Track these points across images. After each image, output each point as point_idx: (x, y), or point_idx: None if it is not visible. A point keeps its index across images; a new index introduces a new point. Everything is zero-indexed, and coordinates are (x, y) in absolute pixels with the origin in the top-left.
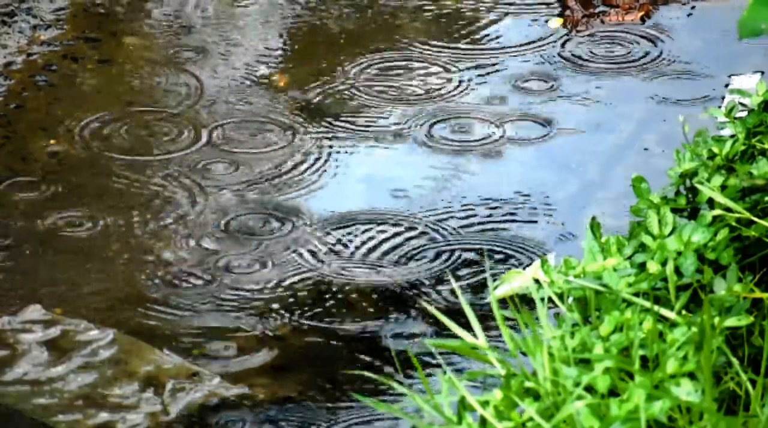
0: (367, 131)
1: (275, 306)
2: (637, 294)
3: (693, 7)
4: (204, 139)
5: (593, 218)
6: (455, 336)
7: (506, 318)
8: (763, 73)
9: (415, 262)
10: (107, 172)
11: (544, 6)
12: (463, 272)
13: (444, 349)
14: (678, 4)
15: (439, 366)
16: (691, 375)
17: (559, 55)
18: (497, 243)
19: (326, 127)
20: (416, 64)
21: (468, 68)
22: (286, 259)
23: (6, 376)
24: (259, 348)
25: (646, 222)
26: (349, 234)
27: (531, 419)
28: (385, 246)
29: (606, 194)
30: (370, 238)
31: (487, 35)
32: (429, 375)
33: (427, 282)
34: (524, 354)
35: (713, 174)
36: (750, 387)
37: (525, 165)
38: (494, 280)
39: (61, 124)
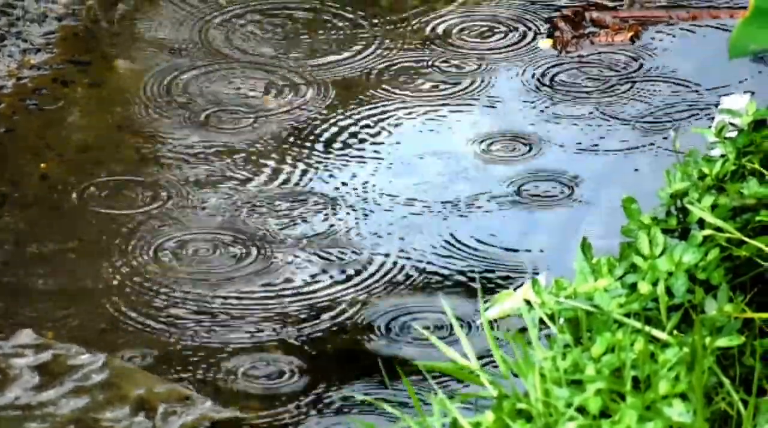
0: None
1: (268, 328)
2: (628, 315)
3: (681, 27)
4: (195, 159)
5: (584, 239)
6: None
7: (497, 339)
8: (753, 93)
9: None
10: (98, 195)
11: (533, 27)
12: (451, 295)
13: (436, 371)
14: (666, 24)
15: (430, 386)
16: (683, 396)
17: (548, 75)
18: (487, 263)
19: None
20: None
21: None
22: (276, 283)
23: None
24: (250, 370)
25: (636, 243)
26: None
27: None
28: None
29: (596, 215)
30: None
31: (475, 52)
32: (421, 396)
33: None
34: (516, 375)
35: (704, 194)
36: (741, 407)
37: (515, 184)
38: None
39: (51, 148)
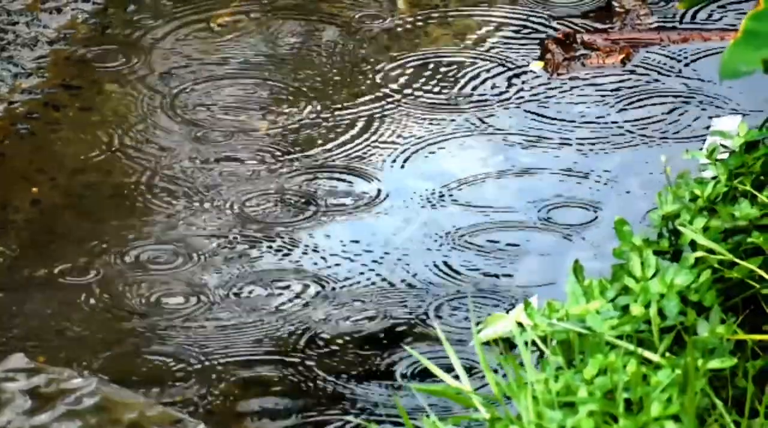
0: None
1: (260, 352)
2: (620, 337)
3: (671, 49)
4: (189, 184)
5: (576, 261)
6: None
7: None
8: (744, 114)
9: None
10: (89, 220)
11: (524, 50)
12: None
13: (428, 393)
14: (658, 46)
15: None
16: (676, 418)
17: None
18: (477, 289)
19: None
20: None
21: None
22: (264, 310)
23: None
24: (242, 394)
25: (628, 264)
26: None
27: None
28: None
29: (588, 237)
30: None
31: (470, 81)
32: (413, 419)
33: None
34: (509, 397)
35: (695, 216)
36: None
37: (506, 208)
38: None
39: (42, 173)
